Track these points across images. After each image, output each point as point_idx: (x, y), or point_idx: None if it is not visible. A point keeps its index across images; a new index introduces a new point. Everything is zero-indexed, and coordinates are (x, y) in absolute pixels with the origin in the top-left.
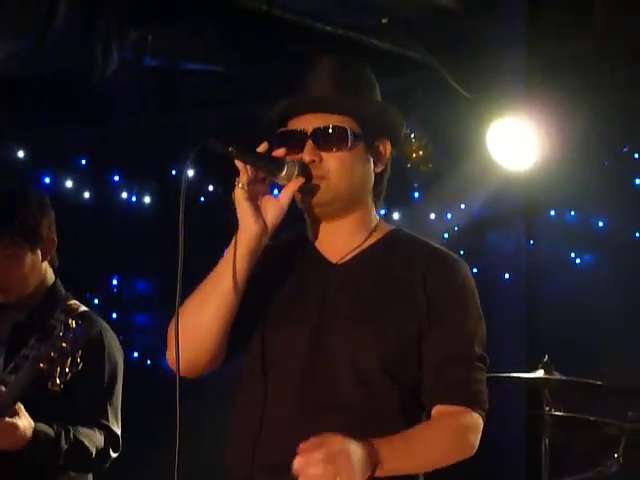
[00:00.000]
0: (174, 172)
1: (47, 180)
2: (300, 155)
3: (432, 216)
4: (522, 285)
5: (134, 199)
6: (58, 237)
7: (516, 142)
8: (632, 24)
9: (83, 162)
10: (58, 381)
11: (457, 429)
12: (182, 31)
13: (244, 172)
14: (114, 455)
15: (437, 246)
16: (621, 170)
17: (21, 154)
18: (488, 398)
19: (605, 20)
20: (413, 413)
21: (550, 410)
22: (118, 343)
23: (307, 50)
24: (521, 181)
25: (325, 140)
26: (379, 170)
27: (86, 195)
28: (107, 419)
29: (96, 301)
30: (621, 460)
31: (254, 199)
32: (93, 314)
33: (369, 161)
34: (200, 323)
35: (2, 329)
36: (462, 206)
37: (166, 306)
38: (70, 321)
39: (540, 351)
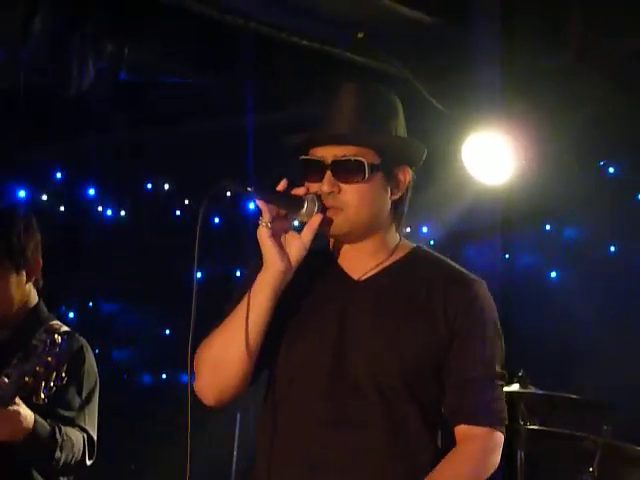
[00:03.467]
0: (149, 186)
1: (22, 194)
2: (319, 184)
3: (407, 230)
4: (498, 299)
5: (109, 213)
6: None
7: (492, 156)
8: (606, 39)
9: (58, 176)
10: (43, 395)
11: (480, 457)
12: (158, 44)
13: (266, 211)
14: (89, 462)
15: (456, 266)
16: (597, 184)
17: None
18: None
19: (580, 34)
20: (433, 427)
21: (525, 424)
22: (95, 362)
23: (283, 63)
24: (497, 195)
25: (343, 171)
26: (396, 197)
27: (61, 209)
28: (84, 422)
29: (71, 315)
30: (596, 474)
31: (277, 236)
32: (75, 333)
33: (387, 190)
34: (227, 360)
35: None
36: (438, 220)
37: (142, 320)
38: (56, 336)
39: (516, 365)
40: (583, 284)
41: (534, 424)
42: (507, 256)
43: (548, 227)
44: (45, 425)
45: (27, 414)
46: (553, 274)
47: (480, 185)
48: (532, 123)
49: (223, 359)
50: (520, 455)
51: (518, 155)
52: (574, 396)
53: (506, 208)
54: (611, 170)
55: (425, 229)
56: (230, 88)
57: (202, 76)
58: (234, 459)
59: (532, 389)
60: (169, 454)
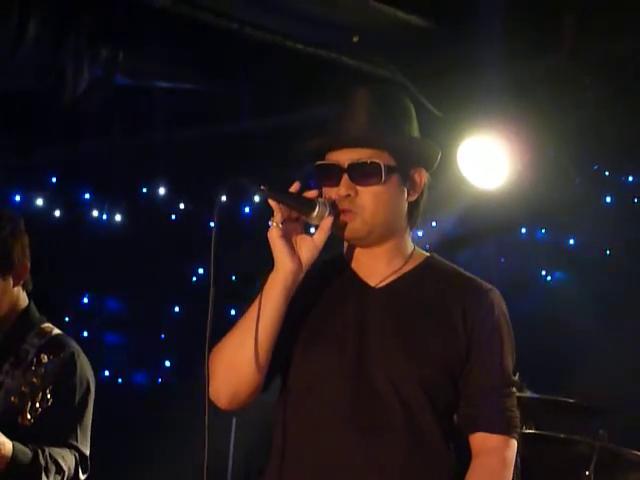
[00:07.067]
0: (144, 190)
1: (17, 198)
2: (336, 189)
3: None
4: None
5: (105, 217)
6: (29, 255)
7: (487, 160)
8: (602, 42)
9: (53, 180)
10: (29, 416)
11: (501, 470)
12: (153, 49)
13: (277, 211)
14: (83, 477)
15: (472, 276)
16: (591, 188)
17: None
18: None
19: (575, 38)
20: (448, 433)
21: (521, 428)
22: (89, 365)
23: (278, 68)
24: (492, 199)
25: (360, 174)
26: (413, 199)
27: (57, 213)
28: (76, 439)
29: (67, 319)
30: (592, 478)
31: (288, 237)
32: (65, 337)
33: (403, 191)
34: (240, 360)
35: None
36: (433, 224)
37: (137, 324)
38: (42, 355)
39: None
40: (579, 287)
41: (530, 428)
42: (502, 259)
43: (543, 231)
44: (26, 451)
45: (4, 442)
46: (548, 277)
47: (476, 189)
48: (527, 127)
49: (236, 360)
50: (516, 459)
51: (514, 159)
52: (570, 400)
53: (502, 212)
54: (606, 174)
55: (420, 233)
56: (225, 93)
57: (197, 81)
58: (230, 462)
59: (528, 393)
60: (166, 455)
